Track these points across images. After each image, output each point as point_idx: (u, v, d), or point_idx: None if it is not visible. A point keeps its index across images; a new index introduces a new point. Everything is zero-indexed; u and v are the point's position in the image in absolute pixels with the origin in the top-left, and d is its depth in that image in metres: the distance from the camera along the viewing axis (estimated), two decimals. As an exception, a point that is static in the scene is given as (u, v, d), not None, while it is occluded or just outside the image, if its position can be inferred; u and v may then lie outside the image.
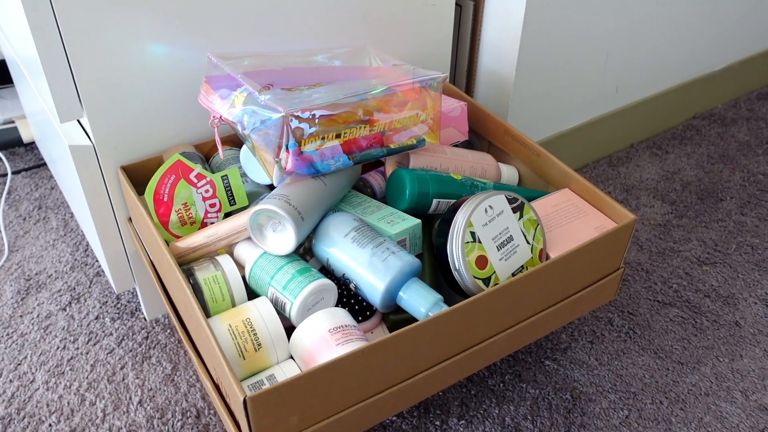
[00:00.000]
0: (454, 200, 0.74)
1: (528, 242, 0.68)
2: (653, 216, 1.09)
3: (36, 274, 0.96)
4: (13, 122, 1.20)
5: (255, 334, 0.60)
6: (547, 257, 0.70)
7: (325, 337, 0.59)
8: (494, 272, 0.65)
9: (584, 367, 0.85)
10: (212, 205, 0.71)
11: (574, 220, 0.73)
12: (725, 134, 1.29)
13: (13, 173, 1.15)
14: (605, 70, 1.09)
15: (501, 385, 0.82)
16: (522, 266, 0.67)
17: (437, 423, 0.78)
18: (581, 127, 1.13)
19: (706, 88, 1.30)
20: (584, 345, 0.87)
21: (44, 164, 1.17)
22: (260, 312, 0.62)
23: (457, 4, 1.00)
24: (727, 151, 1.24)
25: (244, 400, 0.52)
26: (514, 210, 0.68)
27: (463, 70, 1.05)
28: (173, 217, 0.70)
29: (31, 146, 1.21)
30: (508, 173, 0.83)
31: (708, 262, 1.00)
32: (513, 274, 0.67)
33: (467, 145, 0.87)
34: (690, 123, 1.32)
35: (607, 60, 1.08)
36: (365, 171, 0.81)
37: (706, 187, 1.15)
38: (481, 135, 0.88)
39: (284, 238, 0.64)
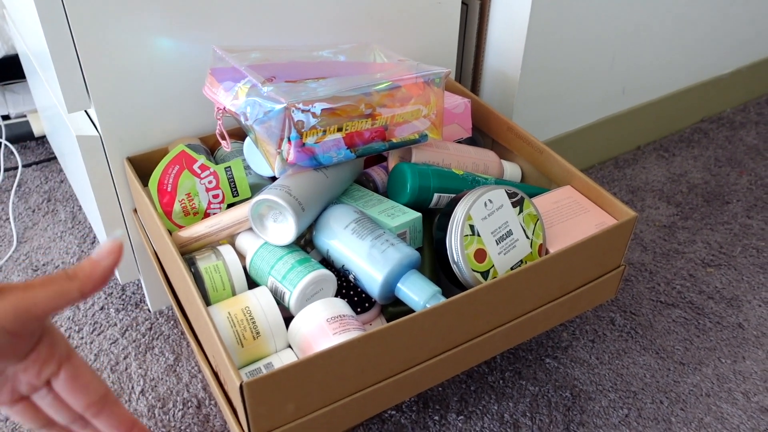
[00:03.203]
0: (455, 195, 0.74)
1: (527, 237, 0.68)
2: (658, 217, 1.08)
3: (43, 264, 0.98)
4: (25, 116, 1.21)
5: (254, 323, 0.61)
6: (547, 252, 0.70)
7: (322, 326, 0.60)
8: (493, 266, 0.65)
9: (585, 365, 0.85)
10: (215, 196, 0.72)
11: (575, 216, 0.73)
12: (733, 138, 1.28)
13: (24, 166, 1.16)
14: (612, 71, 1.09)
15: (501, 381, 0.82)
16: (521, 260, 0.68)
17: (436, 418, 0.78)
18: (587, 128, 1.13)
19: (714, 92, 1.30)
20: (585, 344, 0.87)
21: (54, 158, 1.18)
22: (259, 301, 0.62)
23: (463, 2, 1.00)
24: (735, 155, 1.23)
25: (241, 386, 0.53)
26: (514, 204, 0.68)
27: (469, 69, 1.05)
28: (176, 207, 0.71)
29: (42, 140, 1.23)
30: (511, 170, 0.83)
31: (712, 264, 1.00)
32: (512, 268, 0.67)
33: (471, 142, 0.88)
34: (698, 126, 1.31)
35: (613, 61, 1.08)
36: (368, 165, 0.82)
37: (713, 189, 1.15)
38: (485, 132, 0.89)
39: (284, 229, 0.65)
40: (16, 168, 1.16)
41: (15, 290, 0.31)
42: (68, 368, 0.34)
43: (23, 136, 1.21)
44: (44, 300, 0.32)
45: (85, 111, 0.77)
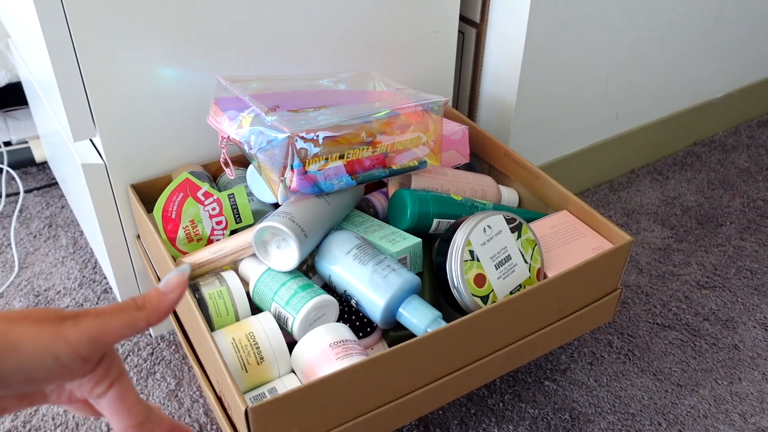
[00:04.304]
0: (454, 220, 0.76)
1: (526, 261, 0.70)
2: (653, 240, 1.10)
3: (45, 290, 0.98)
4: (26, 142, 1.23)
5: (257, 348, 0.62)
6: (545, 277, 0.71)
7: (325, 351, 0.61)
8: (492, 290, 0.67)
9: (583, 388, 0.85)
10: (219, 223, 0.73)
11: (572, 241, 0.75)
12: (725, 161, 1.30)
13: (25, 192, 1.17)
14: (605, 96, 1.11)
15: (500, 404, 0.83)
16: (520, 285, 0.69)
17: (437, 441, 0.79)
18: (582, 152, 1.15)
19: (706, 115, 1.32)
20: (584, 366, 0.88)
21: (56, 183, 1.20)
22: (263, 326, 0.63)
23: (459, 31, 1.03)
24: (728, 177, 1.25)
25: (246, 411, 0.54)
26: (512, 230, 0.69)
27: (466, 96, 1.07)
28: (180, 233, 0.72)
29: (43, 166, 1.24)
30: (508, 195, 0.85)
31: (707, 286, 1.01)
32: (511, 293, 0.68)
33: (468, 167, 0.89)
34: (690, 149, 1.33)
35: (607, 86, 1.10)
36: (368, 191, 0.83)
37: (706, 212, 1.16)
38: (482, 158, 0.90)
39: (287, 255, 0.66)
40: (18, 194, 1.17)
41: (89, 317, 0.33)
42: (116, 389, 0.35)
43: (24, 162, 1.22)
44: (116, 329, 0.33)
45: (90, 139, 0.78)
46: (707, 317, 0.96)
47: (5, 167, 1.20)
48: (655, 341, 0.92)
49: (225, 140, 0.69)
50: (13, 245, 1.06)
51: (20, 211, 1.14)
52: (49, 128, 0.96)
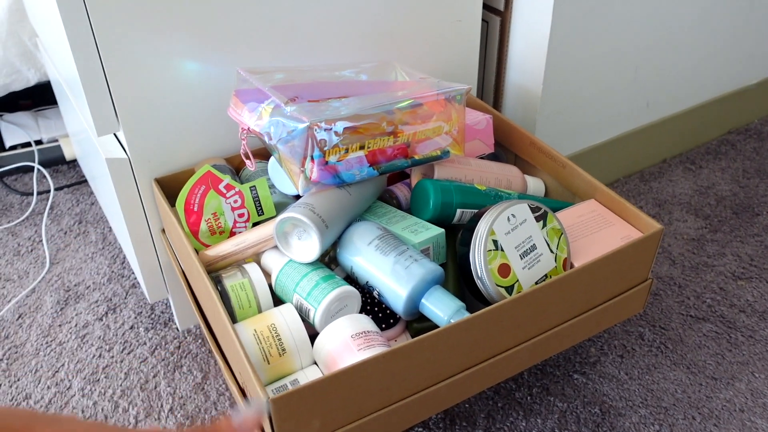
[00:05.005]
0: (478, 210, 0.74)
1: (552, 251, 0.68)
2: (686, 230, 1.07)
3: (75, 285, 1.00)
4: (56, 141, 1.25)
5: (279, 339, 0.62)
6: (572, 266, 0.70)
7: (347, 342, 0.60)
8: (517, 280, 0.65)
9: (614, 381, 0.83)
10: (241, 215, 0.73)
11: (600, 230, 0.73)
12: (761, 149, 1.26)
13: (56, 189, 1.19)
14: (635, 84, 1.08)
15: (528, 398, 0.81)
16: (546, 275, 0.67)
17: (463, 435, 0.77)
18: (611, 142, 1.12)
19: (741, 103, 1.28)
20: (614, 359, 0.86)
21: (85, 181, 1.21)
22: (285, 318, 0.63)
23: (483, 20, 1.01)
24: (764, 166, 1.21)
25: (267, 402, 0.53)
26: (537, 219, 0.68)
27: (491, 86, 1.05)
28: (203, 226, 0.72)
29: (73, 164, 1.26)
30: (535, 185, 0.83)
31: (743, 277, 0.98)
32: (536, 283, 0.67)
33: (493, 157, 0.88)
34: (725, 138, 1.30)
35: (636, 74, 1.07)
36: (392, 183, 0.83)
37: (742, 201, 1.13)
38: (507, 148, 0.89)
39: (309, 246, 0.66)
40: (49, 191, 1.19)
41: None
42: None
43: (55, 160, 1.24)
44: None
45: (114, 134, 0.79)
46: (743, 309, 0.93)
47: (36, 165, 1.22)
48: (689, 333, 0.89)
49: (245, 132, 0.69)
50: (44, 241, 1.08)
51: (51, 208, 1.16)
52: (77, 126, 0.97)
